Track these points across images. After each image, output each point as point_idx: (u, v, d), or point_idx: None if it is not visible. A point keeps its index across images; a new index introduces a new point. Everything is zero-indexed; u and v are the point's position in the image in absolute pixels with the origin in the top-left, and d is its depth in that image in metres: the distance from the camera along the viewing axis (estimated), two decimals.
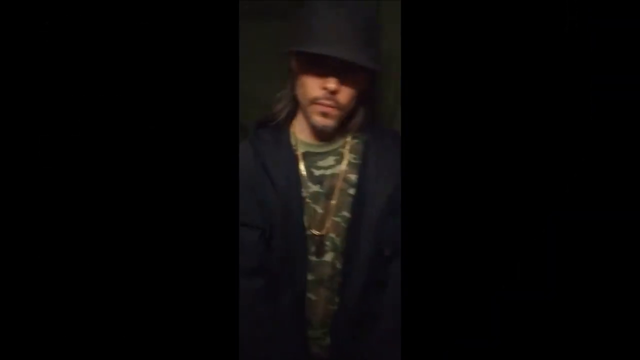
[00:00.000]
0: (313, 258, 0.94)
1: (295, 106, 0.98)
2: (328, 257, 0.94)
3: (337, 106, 0.91)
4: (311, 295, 0.94)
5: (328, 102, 0.90)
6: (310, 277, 0.94)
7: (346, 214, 0.95)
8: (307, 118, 0.94)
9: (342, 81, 0.89)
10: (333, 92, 0.89)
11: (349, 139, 0.98)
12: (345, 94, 0.91)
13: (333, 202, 0.95)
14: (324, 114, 0.91)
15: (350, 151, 0.98)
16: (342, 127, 0.97)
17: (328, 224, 0.94)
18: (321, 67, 0.89)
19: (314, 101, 0.91)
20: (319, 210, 0.95)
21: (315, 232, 0.95)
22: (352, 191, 0.96)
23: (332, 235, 0.95)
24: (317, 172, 0.96)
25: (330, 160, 0.98)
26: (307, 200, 0.95)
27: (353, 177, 0.96)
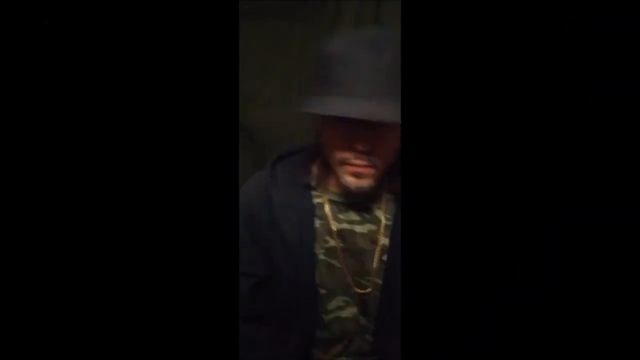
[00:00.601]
0: (329, 316, 0.88)
1: (326, 167, 0.86)
2: (347, 313, 0.88)
3: (373, 165, 0.81)
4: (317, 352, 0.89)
5: (360, 162, 0.80)
6: (321, 334, 0.88)
7: (378, 280, 0.86)
8: (338, 178, 0.84)
9: (376, 137, 0.79)
10: (364, 152, 0.79)
11: (384, 194, 0.87)
12: (382, 152, 0.80)
13: (361, 263, 0.87)
14: (357, 175, 0.82)
15: (386, 211, 0.87)
16: (381, 187, 0.86)
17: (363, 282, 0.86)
18: (348, 123, 0.77)
19: (344, 162, 0.81)
20: (338, 265, 0.87)
21: (359, 291, 0.86)
22: (385, 257, 0.86)
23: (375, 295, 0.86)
24: (339, 226, 0.87)
25: (354, 215, 0.88)
26: (322, 257, 0.87)
27: (382, 239, 0.87)
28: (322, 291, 0.87)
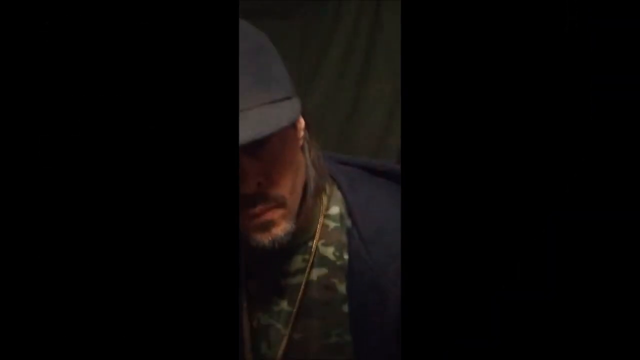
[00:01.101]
0: None
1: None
2: None
3: (277, 203, 0.64)
4: None
5: (263, 207, 0.63)
6: None
7: (346, 337, 0.67)
8: (247, 243, 0.66)
9: (263, 163, 0.62)
10: (259, 192, 0.62)
11: (321, 220, 0.69)
12: (277, 181, 0.63)
13: (315, 323, 0.68)
14: (265, 225, 0.64)
15: (331, 244, 0.69)
16: (302, 216, 0.68)
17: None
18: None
19: (252, 217, 0.63)
20: (295, 335, 0.68)
21: None
22: (345, 308, 0.67)
23: None
24: (283, 282, 0.69)
25: (298, 262, 0.69)
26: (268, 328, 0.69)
27: (341, 286, 0.68)
28: None
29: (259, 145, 0.61)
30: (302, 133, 0.68)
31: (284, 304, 0.68)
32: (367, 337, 0.66)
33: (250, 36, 0.64)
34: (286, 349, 0.67)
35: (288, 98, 0.63)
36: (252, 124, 0.59)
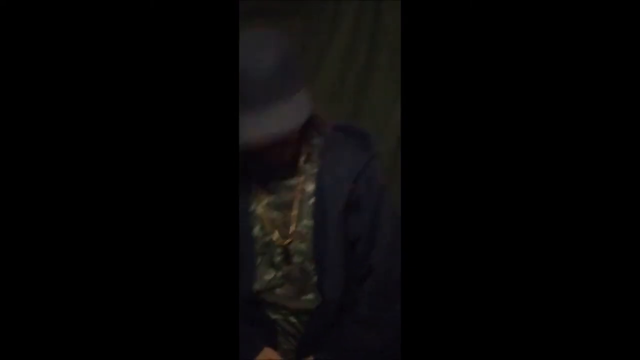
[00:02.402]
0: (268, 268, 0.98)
1: None
2: (297, 259, 0.97)
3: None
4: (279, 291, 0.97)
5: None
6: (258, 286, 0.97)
7: (308, 222, 0.96)
8: None
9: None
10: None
11: (307, 147, 0.98)
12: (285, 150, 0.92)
13: (294, 212, 0.96)
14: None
15: (306, 161, 0.98)
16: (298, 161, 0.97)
17: (291, 233, 0.96)
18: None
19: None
20: (276, 217, 0.97)
21: (280, 241, 0.96)
22: (310, 202, 0.97)
23: (298, 242, 0.96)
24: (272, 184, 0.97)
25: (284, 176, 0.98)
26: (259, 212, 0.97)
27: (311, 187, 0.97)
28: (259, 260, 0.97)
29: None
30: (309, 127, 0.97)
31: (271, 198, 0.98)
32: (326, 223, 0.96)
33: None
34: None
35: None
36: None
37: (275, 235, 0.96)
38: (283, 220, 0.97)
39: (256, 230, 0.97)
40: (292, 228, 0.96)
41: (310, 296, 0.97)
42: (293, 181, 0.98)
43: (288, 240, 0.96)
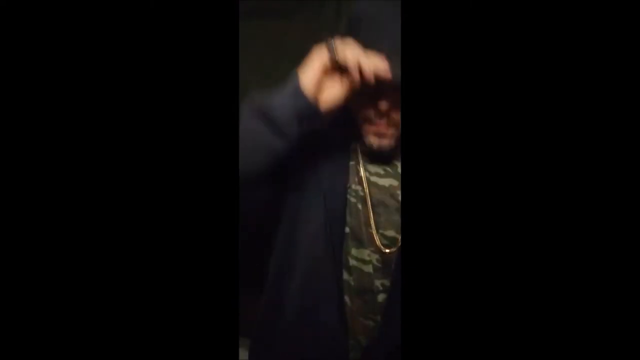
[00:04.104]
0: (353, 262, 0.90)
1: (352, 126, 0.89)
2: (369, 268, 0.90)
3: (394, 125, 0.84)
4: (346, 300, 0.91)
5: (382, 122, 0.84)
6: (347, 279, 0.90)
7: (393, 233, 0.89)
8: (361, 138, 0.88)
9: (397, 96, 0.80)
10: (386, 111, 0.83)
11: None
12: (398, 112, 0.82)
13: (380, 217, 0.89)
14: (379, 134, 0.85)
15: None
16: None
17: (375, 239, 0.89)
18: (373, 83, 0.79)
19: (366, 120, 0.85)
20: (362, 210, 0.89)
21: (385, 250, 0.88)
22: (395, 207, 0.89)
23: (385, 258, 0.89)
24: (366, 174, 0.90)
25: (378, 168, 0.91)
26: (351, 198, 0.90)
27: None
28: (347, 230, 0.89)
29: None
30: None
31: (360, 190, 0.90)
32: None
33: None
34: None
35: None
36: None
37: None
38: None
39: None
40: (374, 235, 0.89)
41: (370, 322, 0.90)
42: (385, 181, 0.90)
43: (392, 250, 0.88)
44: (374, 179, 0.91)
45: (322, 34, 1.31)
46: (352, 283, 0.90)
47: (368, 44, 0.78)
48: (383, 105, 0.82)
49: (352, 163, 0.92)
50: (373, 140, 0.86)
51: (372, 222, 0.89)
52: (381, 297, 0.90)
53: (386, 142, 0.86)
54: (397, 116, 0.84)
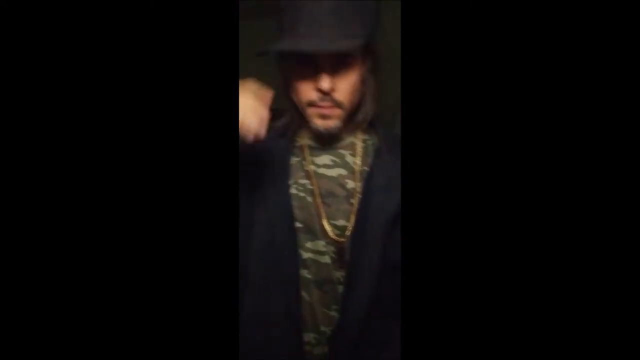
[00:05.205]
0: (309, 255, 0.90)
1: (298, 115, 0.90)
2: (326, 259, 0.89)
3: (337, 105, 0.85)
4: (304, 295, 0.90)
5: (326, 104, 0.85)
6: (304, 274, 0.90)
7: (343, 222, 0.90)
8: (308, 122, 0.89)
9: (337, 76, 0.83)
10: (328, 92, 0.84)
11: (358, 141, 0.92)
12: (342, 91, 0.85)
13: (330, 207, 0.90)
14: (324, 116, 0.86)
15: (355, 155, 0.92)
16: (349, 126, 0.91)
17: (328, 228, 0.89)
18: (309, 65, 0.83)
19: (311, 104, 0.86)
20: (311, 203, 0.90)
21: (337, 239, 0.88)
22: (353, 201, 0.89)
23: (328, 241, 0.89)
24: (313, 168, 0.91)
25: (326, 159, 0.92)
26: (299, 192, 0.90)
27: (350, 184, 0.90)
28: (298, 225, 0.90)
29: (338, 62, 0.83)
30: (365, 69, 0.89)
31: (308, 184, 0.91)
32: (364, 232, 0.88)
33: None
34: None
35: (361, 37, 0.83)
36: (344, 44, 0.80)
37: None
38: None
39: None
40: (327, 224, 0.89)
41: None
42: (334, 171, 0.91)
43: (343, 240, 0.88)
44: (322, 170, 0.92)
45: None
46: (310, 276, 0.90)
47: (303, 26, 0.80)
48: (324, 84, 0.83)
49: (296, 159, 0.92)
50: (319, 123, 0.87)
51: (322, 212, 0.90)
52: (341, 288, 0.90)
53: (332, 124, 0.87)
54: (339, 95, 0.85)
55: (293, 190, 0.91)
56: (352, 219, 0.89)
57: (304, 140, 0.93)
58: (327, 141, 0.92)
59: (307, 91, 0.85)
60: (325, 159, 0.92)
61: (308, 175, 0.91)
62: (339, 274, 0.90)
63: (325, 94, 0.84)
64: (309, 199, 0.91)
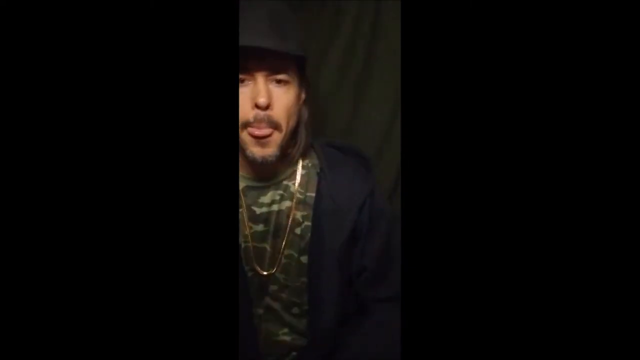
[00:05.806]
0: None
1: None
2: (274, 290, 0.92)
3: (273, 126, 0.81)
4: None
5: (262, 124, 0.80)
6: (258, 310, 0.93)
7: (294, 253, 0.90)
8: (244, 151, 0.84)
9: (274, 95, 0.80)
10: (265, 108, 0.80)
11: (297, 168, 0.91)
12: (279, 110, 0.81)
13: (281, 240, 0.90)
14: (260, 142, 0.82)
15: (300, 185, 0.90)
16: (285, 156, 0.88)
17: (278, 263, 0.90)
18: (248, 82, 0.80)
19: (247, 125, 0.81)
20: (268, 248, 0.90)
21: (260, 272, 0.90)
22: (298, 230, 0.90)
23: (282, 275, 0.91)
24: (258, 210, 0.90)
25: (273, 195, 0.90)
26: (249, 241, 0.90)
27: (299, 214, 0.90)
28: (250, 273, 0.91)
29: (275, 80, 0.80)
30: (304, 95, 0.87)
31: (259, 227, 0.89)
32: (321, 257, 0.89)
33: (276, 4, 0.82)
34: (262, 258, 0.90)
35: (296, 45, 0.81)
36: (268, 41, 0.77)
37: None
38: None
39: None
40: (279, 259, 0.90)
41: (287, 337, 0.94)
42: (282, 205, 0.90)
43: (270, 271, 0.90)
44: (269, 208, 0.91)
45: (322, 34, 1.32)
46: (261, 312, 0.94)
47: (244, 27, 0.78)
48: (261, 99, 0.79)
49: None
50: (255, 151, 0.82)
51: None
52: (304, 285, 0.92)
53: (269, 151, 0.82)
54: (276, 115, 0.81)
55: (245, 244, 0.90)
56: (304, 249, 0.90)
57: (243, 182, 0.90)
58: (266, 174, 0.90)
59: (244, 111, 0.81)
60: (272, 195, 0.91)
61: (258, 220, 0.90)
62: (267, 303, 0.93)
63: (263, 109, 0.80)
64: (265, 245, 0.91)
